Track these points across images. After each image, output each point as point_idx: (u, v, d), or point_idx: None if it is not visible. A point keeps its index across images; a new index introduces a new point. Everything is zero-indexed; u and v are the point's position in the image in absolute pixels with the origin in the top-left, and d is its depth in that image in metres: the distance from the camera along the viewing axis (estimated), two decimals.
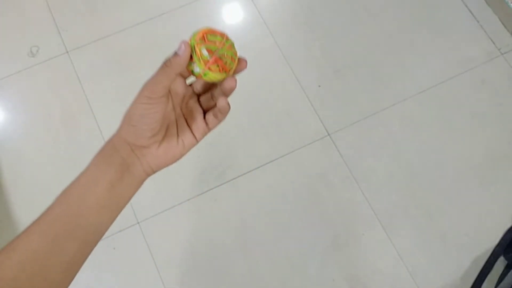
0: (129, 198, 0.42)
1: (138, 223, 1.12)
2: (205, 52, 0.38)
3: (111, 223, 0.42)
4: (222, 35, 0.39)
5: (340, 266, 1.11)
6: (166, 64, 0.38)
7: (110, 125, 1.20)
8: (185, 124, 0.43)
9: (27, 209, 1.13)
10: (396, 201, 1.16)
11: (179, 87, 0.42)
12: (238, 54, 0.40)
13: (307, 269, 1.11)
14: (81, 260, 0.40)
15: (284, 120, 1.23)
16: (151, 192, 1.14)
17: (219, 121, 0.43)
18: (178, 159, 0.43)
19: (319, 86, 1.26)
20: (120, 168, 0.40)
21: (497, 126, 1.24)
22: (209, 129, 0.43)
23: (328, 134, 1.22)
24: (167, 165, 0.43)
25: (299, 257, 1.11)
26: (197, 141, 0.43)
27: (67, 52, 1.28)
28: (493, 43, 1.32)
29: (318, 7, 1.35)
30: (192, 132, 0.43)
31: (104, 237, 1.07)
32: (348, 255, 1.12)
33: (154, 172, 0.43)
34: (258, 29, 1.32)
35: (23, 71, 1.26)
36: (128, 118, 0.39)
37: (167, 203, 1.14)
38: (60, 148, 1.19)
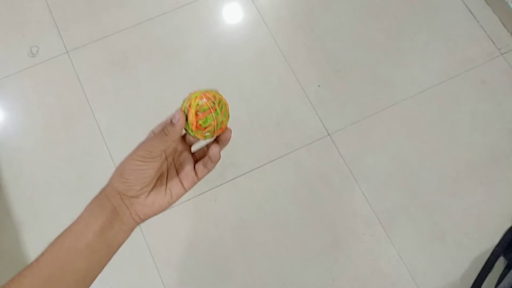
0: (119, 245, 0.43)
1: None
2: (208, 134, 0.41)
3: (101, 269, 0.42)
4: (212, 101, 0.40)
5: (340, 266, 1.11)
6: (164, 132, 0.40)
7: (110, 125, 1.20)
8: (175, 173, 0.45)
9: (27, 209, 1.13)
10: (396, 201, 1.16)
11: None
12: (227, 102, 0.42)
13: (307, 269, 1.11)
14: None
15: (284, 120, 1.23)
16: None
17: (209, 170, 0.45)
18: (165, 208, 0.44)
19: (319, 86, 1.26)
20: (110, 215, 0.41)
21: (497, 126, 1.24)
22: (198, 179, 0.45)
23: (328, 134, 1.22)
24: (155, 214, 0.44)
25: (299, 257, 1.11)
26: (186, 191, 0.45)
27: (67, 52, 1.28)
28: (493, 43, 1.32)
29: (318, 7, 1.35)
30: (180, 181, 0.44)
31: None
32: (348, 255, 1.12)
33: (142, 220, 0.44)
34: (258, 29, 1.32)
35: (23, 71, 1.26)
36: (120, 171, 0.41)
37: None
38: (60, 148, 1.19)
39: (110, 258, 0.42)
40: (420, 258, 1.12)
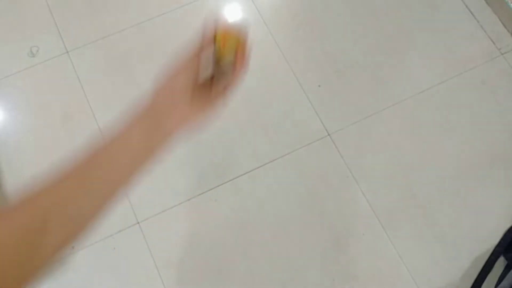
0: (160, 153, 0.47)
1: (138, 223, 1.12)
2: (231, 58, 0.49)
3: (147, 163, 0.46)
4: (236, 32, 0.49)
5: (340, 266, 1.11)
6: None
7: (110, 125, 1.20)
8: (204, 94, 0.51)
9: None
10: (396, 201, 1.16)
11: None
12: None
13: (307, 269, 1.11)
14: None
15: (284, 120, 1.23)
16: (151, 192, 1.14)
17: (227, 87, 0.52)
18: (201, 118, 0.49)
19: (319, 86, 1.26)
20: (154, 122, 0.46)
21: (497, 126, 1.24)
22: (224, 92, 0.52)
23: (328, 134, 1.22)
24: (192, 121, 0.49)
25: (299, 257, 1.11)
26: (214, 107, 0.50)
27: (67, 52, 1.28)
28: (493, 43, 1.32)
29: (318, 7, 1.35)
30: (211, 97, 0.50)
31: (104, 237, 1.08)
32: (348, 255, 1.12)
33: (183, 126, 0.48)
34: (258, 29, 1.32)
35: (23, 71, 1.26)
36: (165, 81, 0.47)
37: (167, 203, 1.14)
38: (60, 148, 1.19)
39: (152, 161, 0.46)
40: (420, 258, 1.12)
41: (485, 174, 1.19)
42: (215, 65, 0.52)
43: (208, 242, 1.12)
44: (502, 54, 1.30)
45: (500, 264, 1.11)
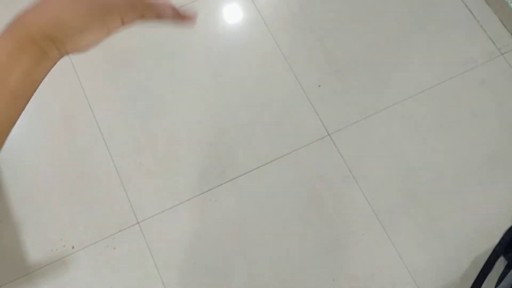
0: (42, 80, 0.39)
1: (138, 223, 1.12)
2: None
3: (22, 111, 0.39)
4: None
5: (340, 266, 1.11)
6: None
7: (110, 125, 1.20)
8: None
9: (27, 209, 1.13)
10: (396, 201, 1.16)
11: None
12: None
13: (307, 269, 1.11)
14: None
15: (284, 120, 1.23)
16: (151, 192, 1.14)
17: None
18: (98, 43, 0.40)
19: (319, 86, 1.26)
20: (36, 58, 0.37)
21: (497, 126, 1.24)
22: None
23: (328, 134, 1.22)
24: (85, 50, 0.40)
25: (299, 257, 1.11)
26: (124, 26, 0.40)
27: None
28: (493, 43, 1.32)
29: (318, 7, 1.35)
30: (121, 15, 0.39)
31: (104, 237, 1.08)
32: (348, 255, 1.12)
33: (72, 53, 0.40)
34: (258, 29, 1.32)
35: None
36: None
37: (167, 203, 1.14)
38: (60, 148, 1.19)
39: (30, 98, 0.39)
40: (420, 258, 1.12)
41: (485, 173, 1.19)
42: None
43: (208, 242, 1.12)
44: (502, 54, 1.30)
45: (500, 264, 1.11)
